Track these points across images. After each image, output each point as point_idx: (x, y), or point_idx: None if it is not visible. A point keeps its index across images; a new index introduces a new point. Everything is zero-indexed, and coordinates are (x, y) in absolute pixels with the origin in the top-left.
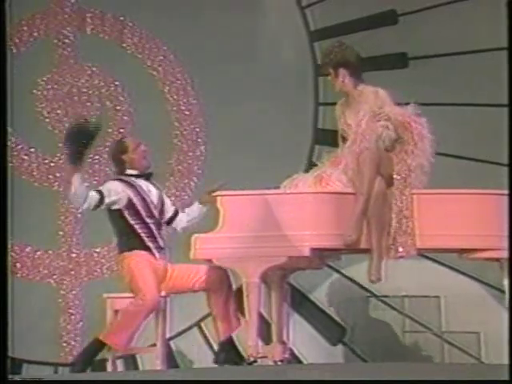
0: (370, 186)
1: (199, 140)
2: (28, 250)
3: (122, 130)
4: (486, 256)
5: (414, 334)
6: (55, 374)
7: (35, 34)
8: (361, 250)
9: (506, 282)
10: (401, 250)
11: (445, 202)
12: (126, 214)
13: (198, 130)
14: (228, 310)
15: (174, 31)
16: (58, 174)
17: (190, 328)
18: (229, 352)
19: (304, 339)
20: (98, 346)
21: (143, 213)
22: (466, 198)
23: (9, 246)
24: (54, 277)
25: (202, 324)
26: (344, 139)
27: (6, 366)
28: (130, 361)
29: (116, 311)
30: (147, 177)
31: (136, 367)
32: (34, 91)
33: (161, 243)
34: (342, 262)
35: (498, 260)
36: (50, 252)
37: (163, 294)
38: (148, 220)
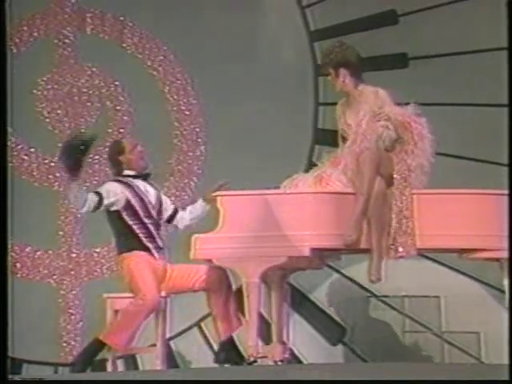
0: (370, 186)
1: (199, 140)
2: (28, 249)
3: (122, 130)
4: (486, 256)
5: (414, 333)
6: (55, 374)
7: (35, 34)
8: (361, 250)
9: (506, 282)
10: (401, 250)
11: (445, 202)
12: (124, 214)
13: (198, 129)
14: (228, 310)
15: (174, 31)
16: (57, 174)
17: (190, 328)
18: (229, 352)
19: (304, 339)
20: (98, 346)
21: (141, 213)
22: (466, 197)
23: (9, 245)
24: (54, 277)
25: (202, 324)
26: (344, 139)
27: (6, 366)
28: (130, 361)
29: (116, 311)
30: (145, 177)
31: (136, 367)
32: (34, 91)
33: (160, 243)
34: (342, 262)
35: (498, 260)
36: (50, 252)
37: (163, 294)
38: (146, 220)
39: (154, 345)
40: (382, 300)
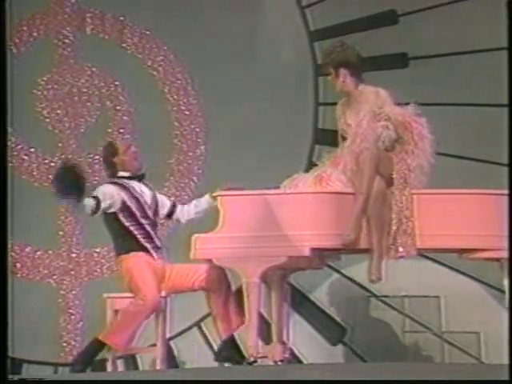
0: (370, 186)
1: (199, 140)
2: (28, 249)
3: (121, 130)
4: (486, 256)
5: (414, 333)
6: (55, 374)
7: (35, 34)
8: (361, 250)
9: (506, 282)
10: (401, 249)
11: (445, 202)
12: (120, 216)
13: (197, 130)
14: (228, 310)
15: (174, 31)
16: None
17: (189, 328)
18: (230, 350)
19: (304, 339)
20: (98, 346)
21: (138, 214)
22: (466, 197)
23: (9, 245)
24: (54, 277)
25: (202, 324)
26: (344, 139)
27: (6, 366)
28: (130, 361)
29: (116, 311)
30: (140, 178)
31: (136, 367)
32: (34, 91)
33: (158, 243)
34: (342, 262)
35: (498, 260)
36: (50, 252)
37: (163, 294)
38: (143, 221)
39: (154, 345)
40: (382, 300)
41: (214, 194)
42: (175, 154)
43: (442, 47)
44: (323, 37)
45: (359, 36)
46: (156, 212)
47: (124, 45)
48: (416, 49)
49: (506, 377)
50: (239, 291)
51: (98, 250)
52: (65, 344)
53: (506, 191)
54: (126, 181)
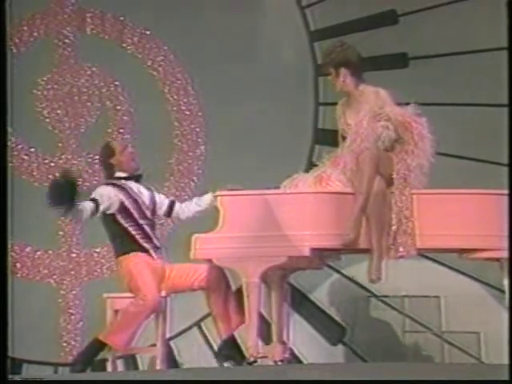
0: (369, 185)
1: (199, 140)
2: (28, 249)
3: (121, 130)
4: (486, 256)
5: (414, 333)
6: (55, 374)
7: (35, 34)
8: (361, 250)
9: (506, 282)
10: (401, 249)
11: (445, 202)
12: (118, 217)
13: (198, 129)
14: (227, 309)
15: (174, 31)
16: (57, 174)
17: (190, 328)
18: (230, 350)
19: (304, 339)
20: (99, 345)
21: (136, 215)
22: (466, 198)
23: (9, 245)
24: (54, 277)
25: (202, 324)
26: (344, 139)
27: (6, 366)
28: (130, 361)
29: (116, 311)
30: (137, 178)
31: (136, 367)
32: (34, 91)
33: (156, 243)
34: (342, 262)
35: (498, 260)
36: (50, 252)
37: (163, 294)
38: (141, 221)
39: (154, 345)
40: (382, 300)
41: (215, 194)
42: (175, 154)
43: (441, 47)
44: (323, 37)
45: (359, 36)
46: (154, 212)
47: (124, 45)
48: (416, 49)
49: (506, 377)
50: (239, 291)
51: (98, 250)
52: (65, 344)
53: (506, 191)
54: (123, 181)
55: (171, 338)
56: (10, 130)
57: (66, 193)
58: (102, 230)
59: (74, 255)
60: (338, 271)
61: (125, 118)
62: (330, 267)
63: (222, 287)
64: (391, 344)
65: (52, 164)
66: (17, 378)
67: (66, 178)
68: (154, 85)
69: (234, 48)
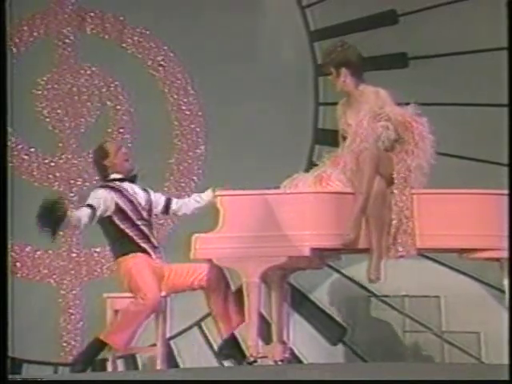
0: (370, 185)
1: (199, 140)
2: (28, 249)
3: (121, 130)
4: (486, 256)
5: (414, 333)
6: (55, 374)
7: (35, 34)
8: (361, 250)
9: (506, 282)
10: (401, 249)
11: (445, 202)
12: (115, 219)
13: (198, 129)
14: (227, 309)
15: (174, 31)
16: (57, 174)
17: (190, 328)
18: (231, 349)
19: (304, 339)
20: (99, 345)
21: (133, 216)
22: (467, 197)
23: (9, 245)
24: (54, 277)
25: (203, 324)
26: (345, 139)
27: (6, 366)
28: (130, 361)
29: (116, 311)
30: (131, 179)
31: (136, 367)
32: (34, 91)
33: (155, 243)
34: (342, 262)
35: (498, 260)
36: (50, 252)
37: (163, 294)
38: (138, 222)
39: (154, 345)
40: (382, 300)
41: (215, 194)
42: (175, 154)
43: (442, 47)
44: (323, 37)
45: (359, 36)
46: (150, 212)
47: (124, 45)
48: (416, 49)
49: (506, 377)
50: (239, 291)
51: (98, 250)
52: (65, 344)
53: (506, 191)
54: (118, 183)
55: (171, 338)
56: (10, 129)
57: (49, 217)
58: (101, 230)
59: (74, 255)
60: (338, 271)
61: (125, 117)
62: (330, 267)
63: (222, 287)
64: (391, 344)
65: (52, 164)
66: (17, 377)
67: (49, 204)
68: (154, 85)
69: (234, 48)
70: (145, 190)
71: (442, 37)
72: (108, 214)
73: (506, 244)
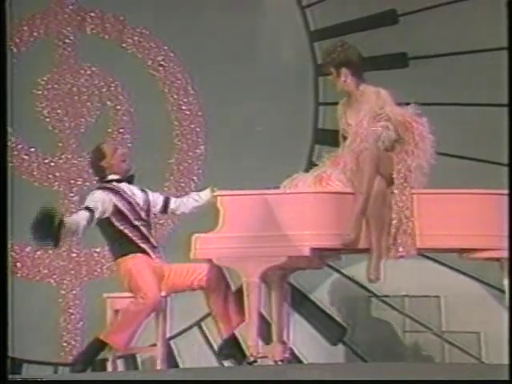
0: (370, 185)
1: (199, 140)
2: (28, 249)
3: (121, 130)
4: (486, 256)
5: (414, 333)
6: (55, 374)
7: (35, 34)
8: (361, 250)
9: (506, 282)
10: (401, 249)
11: (445, 202)
12: (114, 220)
13: (198, 129)
14: (227, 309)
15: (174, 31)
16: (57, 174)
17: (190, 328)
18: (231, 348)
19: (304, 339)
20: (99, 345)
21: (131, 216)
22: (467, 197)
23: (9, 245)
24: (54, 277)
25: (203, 323)
26: (345, 139)
27: (6, 366)
28: (130, 361)
29: (116, 311)
30: (129, 180)
31: (136, 367)
32: (34, 91)
33: (154, 243)
34: (342, 262)
35: (498, 260)
36: (50, 252)
37: (163, 294)
38: (136, 222)
39: (154, 345)
40: (382, 300)
41: (214, 194)
42: (175, 154)
43: (441, 47)
44: (323, 37)
45: (359, 36)
46: (149, 212)
47: (124, 45)
48: (416, 49)
49: (506, 377)
50: (239, 291)
51: (98, 250)
52: (65, 344)
53: (506, 191)
54: (115, 184)
55: (171, 338)
56: (10, 129)
57: (47, 231)
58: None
59: (74, 255)
60: (338, 271)
61: (125, 117)
62: (330, 267)
63: (222, 287)
64: (391, 344)
65: (52, 164)
66: (17, 377)
67: (44, 217)
68: (154, 85)
69: (234, 48)
70: (142, 190)
71: (441, 37)
72: (106, 215)
73: (506, 244)
